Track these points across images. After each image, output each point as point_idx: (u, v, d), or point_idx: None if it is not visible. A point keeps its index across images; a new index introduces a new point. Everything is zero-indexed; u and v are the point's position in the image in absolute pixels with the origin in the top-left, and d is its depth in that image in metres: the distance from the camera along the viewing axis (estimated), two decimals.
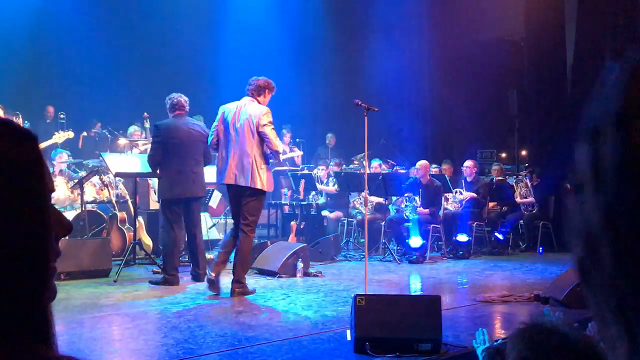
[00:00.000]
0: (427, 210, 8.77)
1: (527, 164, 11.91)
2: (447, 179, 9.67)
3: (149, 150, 6.70)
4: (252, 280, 6.70)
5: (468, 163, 9.81)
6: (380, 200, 9.29)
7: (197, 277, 6.55)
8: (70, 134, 8.09)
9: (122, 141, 9.53)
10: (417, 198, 8.82)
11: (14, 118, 7.49)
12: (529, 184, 9.89)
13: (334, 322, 4.73)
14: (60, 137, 7.79)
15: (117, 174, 7.34)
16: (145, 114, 8.56)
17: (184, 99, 6.64)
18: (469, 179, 9.71)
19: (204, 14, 13.12)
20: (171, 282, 6.32)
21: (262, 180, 5.63)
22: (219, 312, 5.04)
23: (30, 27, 11.47)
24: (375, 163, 9.89)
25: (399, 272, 7.58)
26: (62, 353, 0.73)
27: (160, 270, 6.77)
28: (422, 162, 9.04)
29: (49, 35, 11.52)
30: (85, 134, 10.95)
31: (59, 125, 10.72)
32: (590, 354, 1.38)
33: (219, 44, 13.15)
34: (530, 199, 9.88)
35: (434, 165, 10.32)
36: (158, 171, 6.55)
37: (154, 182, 8.10)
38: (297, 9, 13.01)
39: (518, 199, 9.89)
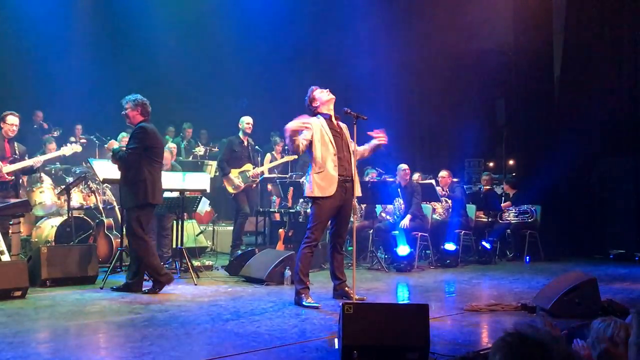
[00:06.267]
0: (408, 221, 8.77)
1: (514, 174, 11.99)
2: (434, 187, 9.72)
3: (132, 149, 6.29)
4: (239, 288, 6.70)
5: (442, 174, 9.88)
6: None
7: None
8: (78, 148, 8.12)
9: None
10: (401, 202, 8.95)
11: None
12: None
13: (322, 330, 4.73)
14: (67, 150, 7.87)
15: (104, 180, 7.31)
16: None
17: None
18: (445, 188, 9.78)
19: (193, 22, 13.14)
20: (168, 281, 6.28)
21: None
22: (206, 320, 5.02)
23: (19, 31, 11.43)
24: (372, 172, 9.98)
25: (386, 280, 7.59)
26: None
27: (148, 277, 6.73)
28: (402, 166, 9.16)
29: (37, 39, 11.48)
30: (73, 139, 10.92)
31: (44, 130, 10.71)
32: None
33: (207, 51, 13.17)
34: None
35: (424, 175, 10.41)
36: (134, 175, 6.25)
37: None
38: (284, 18, 13.05)
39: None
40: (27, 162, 7.52)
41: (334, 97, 5.94)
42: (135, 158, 6.24)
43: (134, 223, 6.27)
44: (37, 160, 7.60)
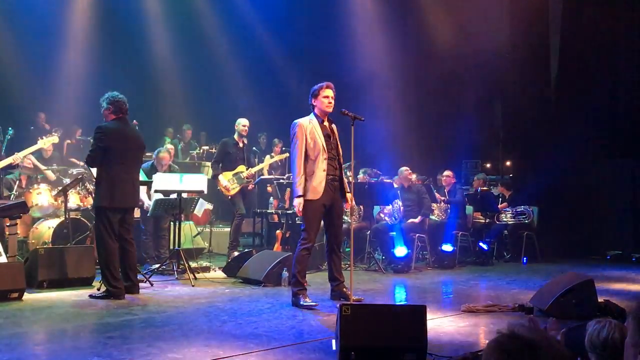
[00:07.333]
0: (418, 220, 8.86)
1: (511, 175, 12.00)
2: (432, 188, 9.73)
3: (90, 151, 6.14)
4: (236, 289, 6.70)
5: (447, 173, 9.91)
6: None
7: (131, 289, 6.19)
8: (55, 139, 8.05)
9: None
10: (400, 203, 8.97)
11: None
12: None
13: (319, 331, 4.73)
14: (45, 142, 7.78)
15: None
16: (135, 121, 8.56)
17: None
18: (446, 189, 9.80)
19: (191, 23, 13.13)
20: (117, 295, 5.95)
21: None
22: (203, 322, 5.01)
23: (18, 32, 11.41)
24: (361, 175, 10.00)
25: (384, 281, 7.59)
26: None
27: (144, 279, 6.74)
28: (403, 168, 9.21)
29: (38, 40, 11.46)
30: (69, 141, 10.90)
31: (46, 131, 10.68)
32: None
33: (206, 52, 13.16)
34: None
35: (420, 176, 10.42)
36: (97, 177, 6.12)
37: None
38: (283, 18, 13.05)
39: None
40: (6, 161, 7.42)
41: (331, 110, 5.96)
42: (91, 160, 6.10)
43: (96, 225, 6.17)
44: (16, 157, 7.42)
